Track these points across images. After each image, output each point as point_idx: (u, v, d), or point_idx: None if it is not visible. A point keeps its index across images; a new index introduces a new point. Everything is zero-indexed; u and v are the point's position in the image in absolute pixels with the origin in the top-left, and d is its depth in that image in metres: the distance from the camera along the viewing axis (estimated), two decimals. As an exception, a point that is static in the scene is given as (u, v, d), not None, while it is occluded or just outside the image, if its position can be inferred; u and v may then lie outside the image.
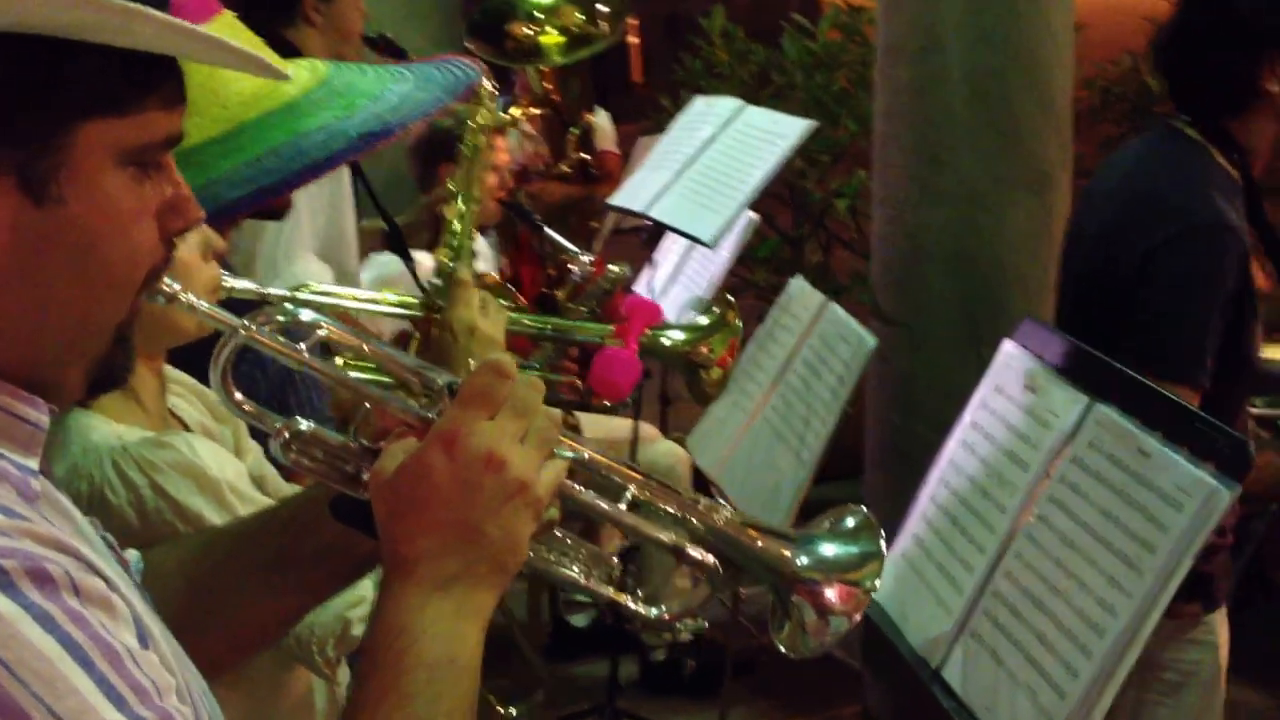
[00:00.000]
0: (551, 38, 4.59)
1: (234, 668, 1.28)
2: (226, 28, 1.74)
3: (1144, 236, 2.22)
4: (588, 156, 4.74)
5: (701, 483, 3.24)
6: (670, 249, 3.99)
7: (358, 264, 3.12)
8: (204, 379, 1.14)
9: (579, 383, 1.92)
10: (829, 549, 1.17)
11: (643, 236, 4.49)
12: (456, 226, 2.62)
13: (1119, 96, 5.49)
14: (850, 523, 1.19)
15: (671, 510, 1.14)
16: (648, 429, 3.81)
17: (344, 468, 1.10)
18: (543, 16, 4.57)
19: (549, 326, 1.91)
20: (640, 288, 4.05)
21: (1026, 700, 1.55)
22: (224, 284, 1.61)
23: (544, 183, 4.74)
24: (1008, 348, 1.83)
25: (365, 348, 1.13)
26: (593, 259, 4.01)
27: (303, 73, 1.73)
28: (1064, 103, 3.14)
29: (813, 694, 3.84)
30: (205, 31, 0.92)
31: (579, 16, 4.55)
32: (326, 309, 1.67)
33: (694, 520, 1.15)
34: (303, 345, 1.09)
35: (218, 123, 1.69)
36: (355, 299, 1.74)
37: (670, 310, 3.81)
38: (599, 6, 4.54)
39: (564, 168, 4.75)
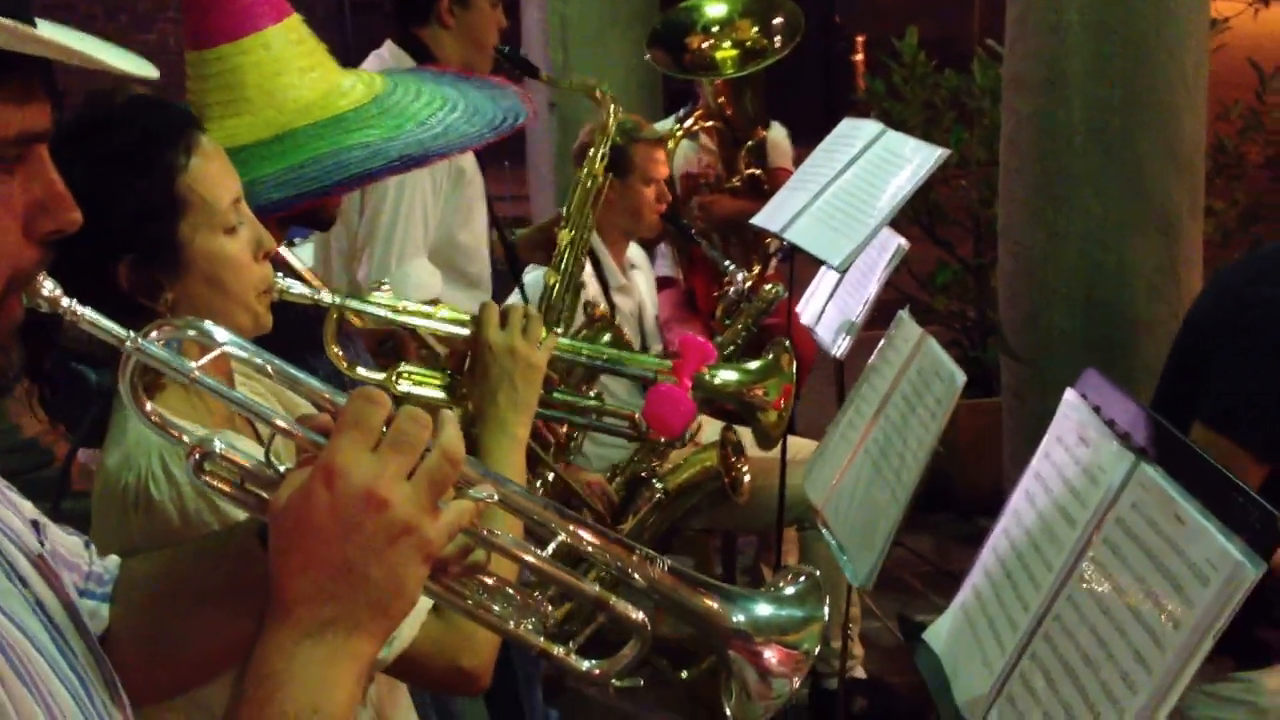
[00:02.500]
0: (727, 51, 4.58)
1: (201, 686, 1.29)
2: (291, 31, 1.79)
3: (1250, 290, 2.14)
4: (759, 172, 4.70)
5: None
6: (827, 272, 3.93)
7: (488, 272, 3.14)
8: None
9: (636, 416, 1.90)
10: (767, 609, 1.13)
11: (780, 257, 4.44)
12: (564, 251, 2.65)
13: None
14: (797, 585, 1.15)
15: (605, 560, 1.11)
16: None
17: (257, 492, 1.07)
18: (718, 30, 4.57)
19: (603, 356, 1.88)
20: (800, 308, 4.00)
21: (1050, 771, 1.47)
22: (278, 286, 1.62)
23: (715, 196, 4.73)
24: (1069, 397, 1.74)
25: (268, 368, 1.08)
26: (747, 276, 3.98)
27: (359, 87, 1.78)
28: (1192, 147, 2.98)
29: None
30: (36, 32, 0.88)
31: (754, 30, 4.53)
32: (371, 318, 1.70)
33: (628, 571, 1.12)
34: (194, 363, 1.05)
35: (270, 126, 1.75)
36: (405, 310, 1.74)
37: (825, 332, 3.75)
38: (774, 21, 4.51)
39: (735, 182, 4.72)
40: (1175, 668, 1.35)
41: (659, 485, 3.50)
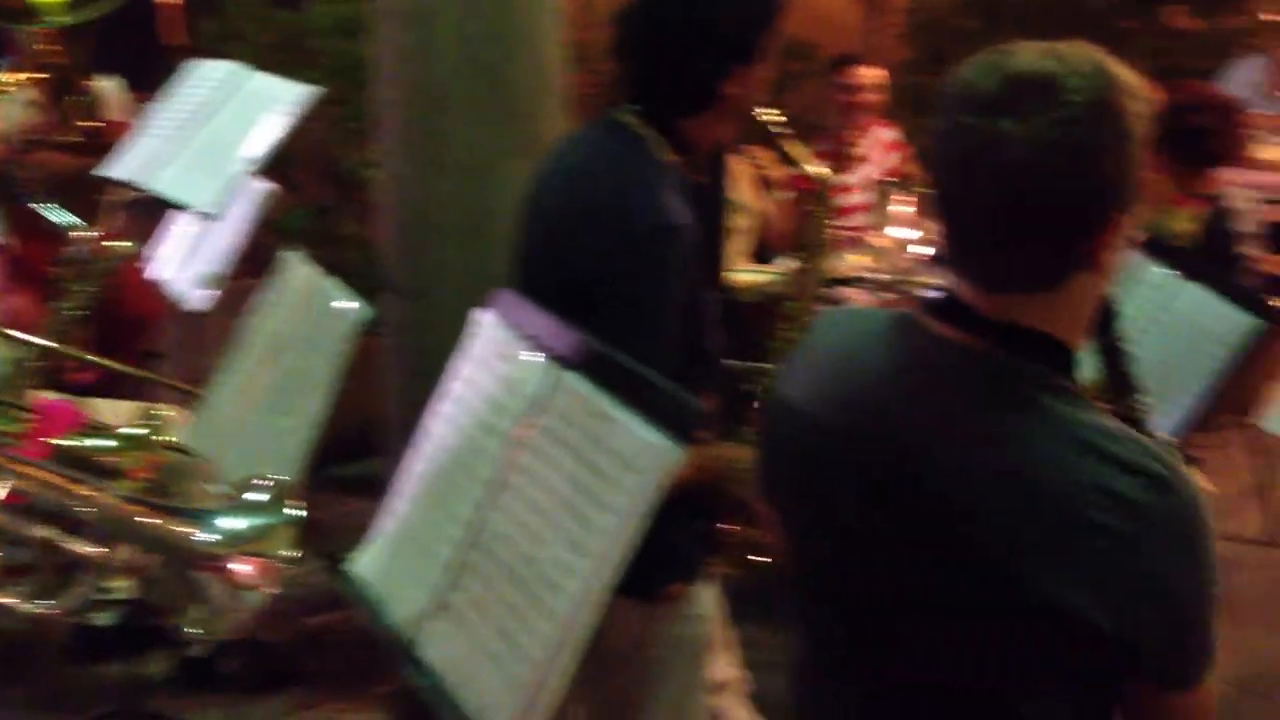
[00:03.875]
0: (49, -3, 4.26)
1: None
2: None
3: (598, 240, 2.21)
4: (96, 124, 4.43)
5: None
6: (186, 222, 3.78)
7: None
8: None
9: None
10: (233, 522, 1.11)
11: (141, 208, 4.24)
12: None
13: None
14: (260, 494, 1.14)
15: (48, 497, 1.03)
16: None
17: None
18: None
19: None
20: (150, 261, 3.82)
21: (497, 671, 1.54)
22: None
23: (49, 153, 4.40)
24: (485, 318, 1.82)
25: None
26: (90, 235, 3.75)
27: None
28: (558, 72, 3.17)
29: (351, 676, 3.79)
30: None
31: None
32: None
33: (72, 506, 1.05)
34: None
35: None
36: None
37: (183, 284, 3.62)
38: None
39: (73, 137, 4.42)
40: (610, 547, 1.47)
41: None
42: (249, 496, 1.10)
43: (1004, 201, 1.40)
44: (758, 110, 2.49)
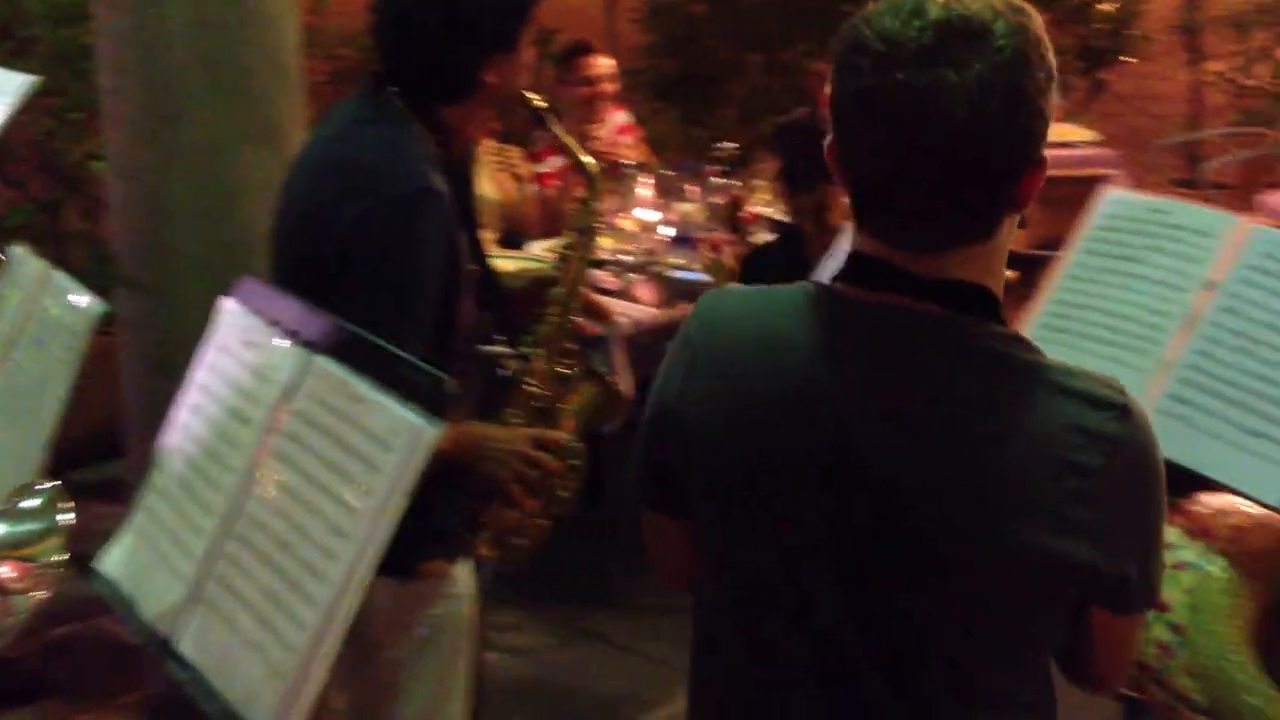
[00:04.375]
0: None
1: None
2: None
3: (352, 206, 2.19)
4: None
5: None
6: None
7: None
8: None
9: None
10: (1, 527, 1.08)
11: None
12: None
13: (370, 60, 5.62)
14: (34, 499, 1.11)
15: None
16: None
17: None
18: None
19: None
20: None
21: (258, 660, 1.52)
22: None
23: None
24: (229, 305, 1.79)
25: None
26: None
27: None
28: (292, 58, 3.12)
29: (98, 686, 3.66)
30: None
31: None
32: None
33: None
34: None
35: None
36: None
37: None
38: None
39: None
40: (371, 529, 1.46)
41: None
42: (24, 504, 1.06)
43: (949, 155, 1.35)
44: (530, 96, 2.51)
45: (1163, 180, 7.78)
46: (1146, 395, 2.21)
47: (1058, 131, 6.52)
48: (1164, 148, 7.91)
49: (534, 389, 2.53)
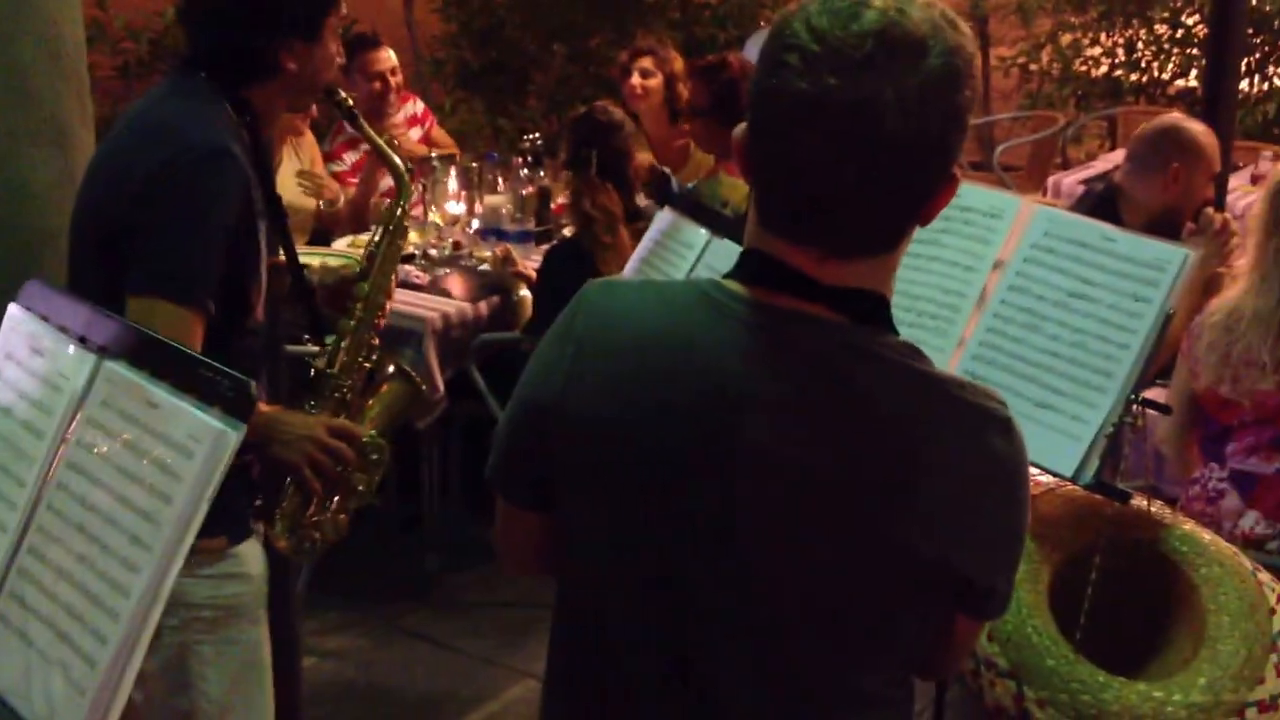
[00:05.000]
0: None
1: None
2: None
3: (145, 162, 2.20)
4: None
5: None
6: None
7: None
8: None
9: None
10: None
11: None
12: None
13: (170, 49, 5.47)
14: None
15: None
16: None
17: None
18: None
19: None
20: None
21: (60, 678, 1.47)
22: None
23: None
24: (13, 311, 1.71)
25: None
26: None
27: None
28: (76, 54, 3.02)
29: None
30: None
31: None
32: None
33: None
34: None
35: None
36: None
37: None
38: None
39: None
40: (175, 538, 1.43)
41: None
42: None
43: (871, 166, 1.32)
44: (340, 92, 2.54)
45: (958, 163, 8.04)
46: (945, 373, 2.30)
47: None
48: (956, 132, 8.15)
49: (335, 381, 2.50)
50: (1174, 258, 2.25)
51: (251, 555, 2.44)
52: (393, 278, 2.65)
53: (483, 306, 4.46)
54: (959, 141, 1.38)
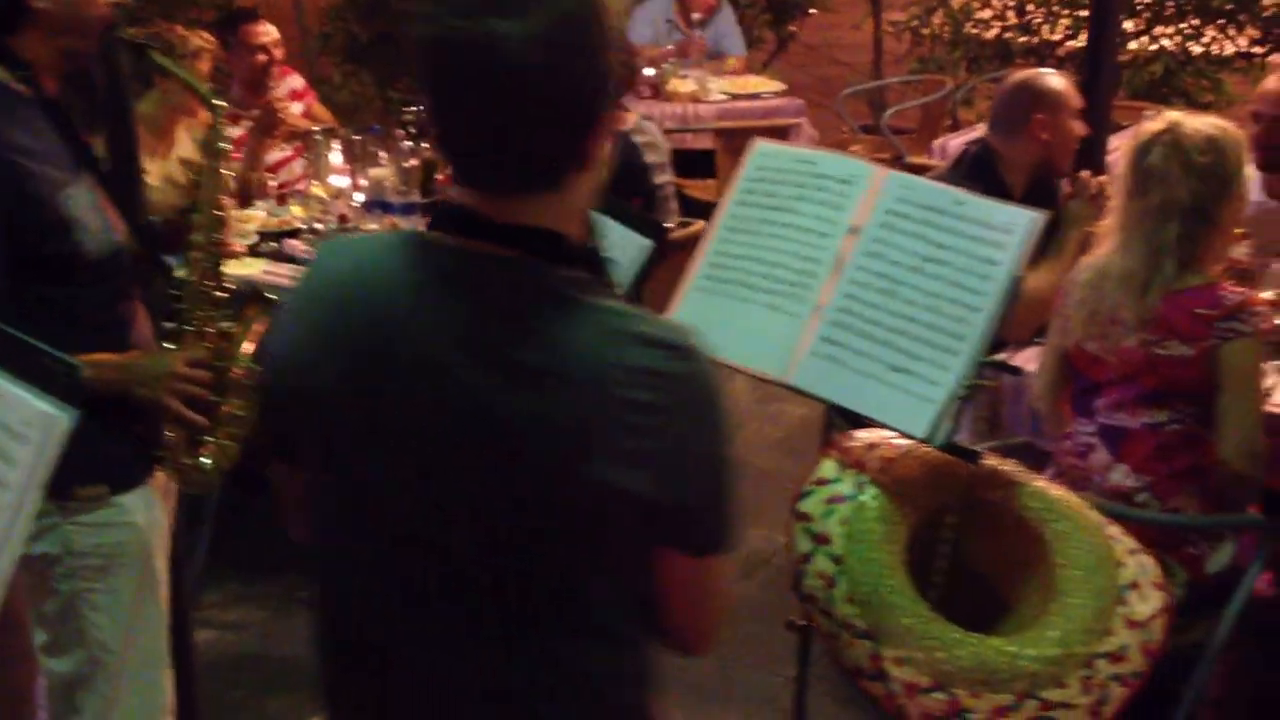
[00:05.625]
0: None
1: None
2: None
3: None
4: None
5: None
6: None
7: None
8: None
9: None
10: None
11: None
12: None
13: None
14: None
15: None
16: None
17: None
18: None
19: None
20: None
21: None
22: None
23: None
24: None
25: None
26: None
27: None
28: None
29: None
30: None
31: None
32: None
33: None
34: None
35: None
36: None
37: None
38: None
39: None
40: (10, 526, 1.43)
41: None
42: None
43: (505, 103, 1.38)
44: (128, 32, 2.52)
45: (849, 127, 8.13)
46: (803, 339, 2.34)
47: (745, 84, 6.71)
48: (850, 96, 8.24)
49: (188, 313, 2.48)
50: (1021, 220, 2.30)
51: (137, 504, 2.47)
52: (223, 202, 2.61)
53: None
54: (598, 81, 1.42)
